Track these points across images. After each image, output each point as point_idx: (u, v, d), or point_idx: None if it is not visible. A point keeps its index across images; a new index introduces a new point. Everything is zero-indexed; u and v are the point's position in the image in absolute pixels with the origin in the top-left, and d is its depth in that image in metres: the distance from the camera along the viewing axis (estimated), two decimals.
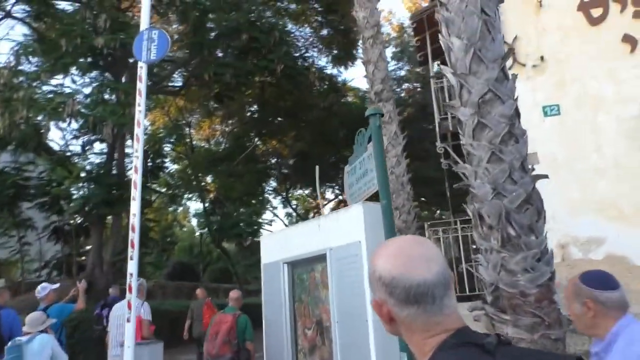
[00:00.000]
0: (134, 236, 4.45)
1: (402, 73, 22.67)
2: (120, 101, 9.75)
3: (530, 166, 3.52)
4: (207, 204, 19.63)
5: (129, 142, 13.44)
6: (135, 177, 4.56)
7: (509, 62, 7.18)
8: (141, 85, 4.77)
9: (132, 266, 4.39)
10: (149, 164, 13.69)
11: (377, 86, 8.18)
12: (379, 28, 8.53)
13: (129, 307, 4.31)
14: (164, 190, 18.96)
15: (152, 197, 14.55)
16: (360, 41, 8.58)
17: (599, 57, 6.80)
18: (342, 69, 16.42)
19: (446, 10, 3.71)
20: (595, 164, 6.52)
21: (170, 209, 27.34)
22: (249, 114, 19.16)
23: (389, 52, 26.28)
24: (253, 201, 17.61)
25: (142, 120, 4.69)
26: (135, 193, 4.52)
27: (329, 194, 31.27)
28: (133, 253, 4.40)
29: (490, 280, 3.37)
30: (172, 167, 22.17)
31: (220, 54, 13.80)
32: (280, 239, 5.39)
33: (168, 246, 25.90)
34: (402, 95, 22.55)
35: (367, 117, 4.23)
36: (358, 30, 8.56)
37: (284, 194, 26.89)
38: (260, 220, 17.48)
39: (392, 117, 8.11)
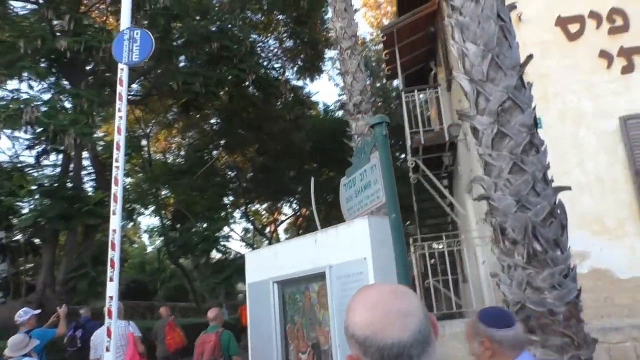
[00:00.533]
0: (114, 255, 4.02)
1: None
2: (83, 110, 9.12)
3: (550, 177, 3.39)
4: (165, 219, 18.86)
5: (84, 154, 12.70)
6: (116, 189, 4.14)
7: None
8: (122, 89, 4.37)
9: (111, 288, 3.95)
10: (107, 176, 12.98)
11: (356, 97, 8.01)
12: (357, 39, 8.40)
13: (109, 334, 3.87)
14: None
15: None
16: (338, 52, 8.41)
17: (578, 72, 6.89)
18: (307, 81, 16.33)
19: (460, 14, 3.55)
20: (578, 178, 6.54)
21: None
22: (209, 126, 18.64)
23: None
24: (216, 216, 17.06)
25: (123, 127, 4.29)
26: (116, 207, 4.10)
27: (287, 209, 30.93)
28: (113, 273, 3.97)
29: (515, 298, 3.18)
30: (126, 180, 21.27)
31: (184, 63, 13.35)
32: (269, 256, 5.05)
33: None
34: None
35: (372, 126, 4.01)
36: (336, 40, 8.40)
37: (243, 208, 26.34)
38: (220, 235, 16.96)
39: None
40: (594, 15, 6.99)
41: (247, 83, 11.75)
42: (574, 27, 7.03)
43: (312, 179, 4.90)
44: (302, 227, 32.05)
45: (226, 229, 26.47)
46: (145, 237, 35.60)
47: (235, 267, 14.02)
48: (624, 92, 6.68)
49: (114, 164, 4.20)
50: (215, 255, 16.61)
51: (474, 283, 10.40)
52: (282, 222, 29.90)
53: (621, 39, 6.86)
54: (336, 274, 4.13)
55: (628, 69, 6.74)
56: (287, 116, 14.57)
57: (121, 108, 4.33)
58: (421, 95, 11.59)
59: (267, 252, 5.16)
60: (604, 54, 6.86)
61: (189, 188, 15.63)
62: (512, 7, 3.60)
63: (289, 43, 14.81)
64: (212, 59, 11.67)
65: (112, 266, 3.98)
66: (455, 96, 10.41)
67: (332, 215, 24.54)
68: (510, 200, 3.23)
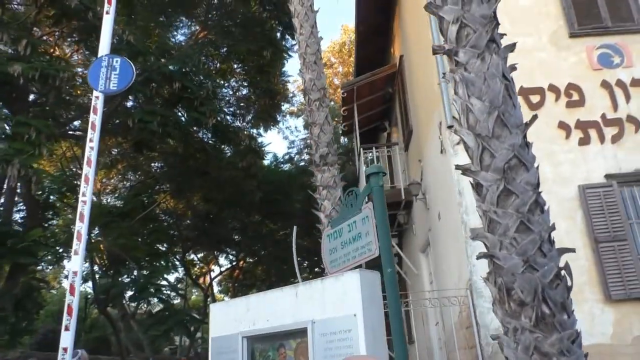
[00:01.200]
0: (73, 300, 3.54)
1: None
2: (31, 140, 8.41)
3: (553, 238, 3.34)
4: (97, 264, 17.60)
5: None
6: (81, 225, 3.71)
7: (456, 138, 7.35)
8: (95, 118, 4.02)
9: (66, 338, 3.45)
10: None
11: (323, 149, 7.93)
12: (326, 92, 8.43)
13: None
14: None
15: (41, 253, 12.61)
16: (306, 103, 8.38)
17: (539, 140, 7.10)
18: (261, 130, 16.23)
19: (465, 70, 3.56)
20: None
21: (39, 267, 24.34)
22: (154, 169, 17.94)
23: (300, 121, 26.91)
24: (157, 263, 16.09)
25: (93, 159, 3.91)
26: (79, 245, 3.66)
27: (223, 260, 29.92)
28: (70, 322, 3.48)
29: None
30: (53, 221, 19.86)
31: (132, 102, 12.94)
32: (239, 309, 4.66)
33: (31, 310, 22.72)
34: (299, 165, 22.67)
35: (367, 176, 3.88)
36: (304, 92, 8.39)
37: (180, 256, 25.20)
38: (161, 284, 15.96)
39: (336, 182, 7.84)
40: (553, 88, 7.39)
41: (201, 127, 11.42)
42: (535, 98, 7.39)
43: (295, 228, 4.66)
44: (238, 279, 31.06)
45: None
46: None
47: (177, 319, 13.12)
48: (582, 163, 7.00)
49: (81, 197, 3.78)
50: (153, 305, 15.48)
51: (423, 345, 10.25)
52: (221, 273, 28.81)
53: (578, 112, 7.26)
54: (320, 331, 3.84)
55: (585, 141, 7.09)
56: (240, 164, 14.28)
57: (93, 138, 3.96)
58: (374, 154, 11.71)
59: (237, 304, 4.77)
60: (562, 125, 7.22)
61: (129, 232, 14.79)
62: (513, 68, 3.66)
63: (244, 91, 14.71)
64: (171, 99, 11.33)
65: (70, 313, 3.50)
66: (413, 156, 10.62)
67: (275, 271, 24.05)
68: (517, 260, 3.14)
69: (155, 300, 14.42)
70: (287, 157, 21.98)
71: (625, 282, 6.35)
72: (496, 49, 3.56)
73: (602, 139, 7.14)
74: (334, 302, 3.82)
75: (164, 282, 17.50)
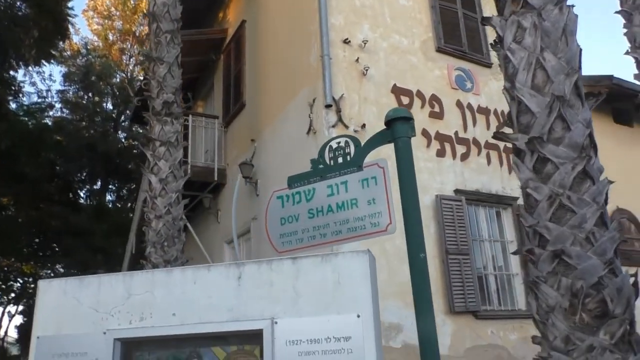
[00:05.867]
0: None
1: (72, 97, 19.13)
2: None
3: None
4: None
5: None
6: None
7: (333, 119, 6.58)
8: None
9: None
10: None
11: (168, 95, 6.16)
12: (179, 26, 6.66)
13: None
14: None
15: None
16: (153, 34, 6.42)
17: None
18: (20, 62, 12.11)
19: (539, 16, 2.81)
20: (401, 245, 6.32)
21: None
22: None
23: (59, 69, 22.20)
24: None
25: None
26: None
27: None
28: None
29: None
30: None
31: None
32: (109, 292, 2.86)
33: None
34: (49, 122, 18.78)
35: (388, 122, 2.78)
36: (153, 16, 6.40)
37: None
38: None
39: (179, 140, 6.15)
40: (420, 95, 7.32)
41: None
42: (405, 99, 7.19)
43: (239, 179, 3.10)
44: None
45: None
46: None
47: None
48: (437, 174, 7.02)
49: None
50: None
51: None
52: None
53: (438, 124, 7.32)
54: (286, 336, 2.49)
55: (441, 153, 7.17)
56: None
57: None
58: (190, 122, 9.92)
59: (105, 283, 2.89)
60: (425, 133, 7.17)
61: None
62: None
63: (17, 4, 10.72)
64: None
65: None
66: (240, 134, 9.36)
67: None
68: (596, 261, 2.48)
69: None
70: (34, 107, 17.64)
71: (466, 295, 6.49)
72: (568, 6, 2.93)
73: (454, 154, 7.33)
74: (316, 295, 2.52)
75: None
